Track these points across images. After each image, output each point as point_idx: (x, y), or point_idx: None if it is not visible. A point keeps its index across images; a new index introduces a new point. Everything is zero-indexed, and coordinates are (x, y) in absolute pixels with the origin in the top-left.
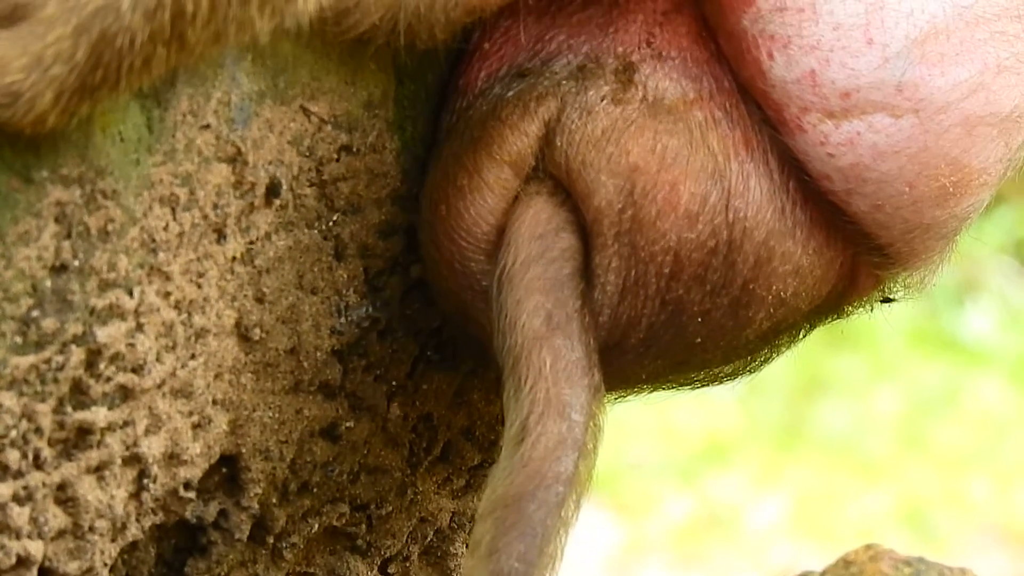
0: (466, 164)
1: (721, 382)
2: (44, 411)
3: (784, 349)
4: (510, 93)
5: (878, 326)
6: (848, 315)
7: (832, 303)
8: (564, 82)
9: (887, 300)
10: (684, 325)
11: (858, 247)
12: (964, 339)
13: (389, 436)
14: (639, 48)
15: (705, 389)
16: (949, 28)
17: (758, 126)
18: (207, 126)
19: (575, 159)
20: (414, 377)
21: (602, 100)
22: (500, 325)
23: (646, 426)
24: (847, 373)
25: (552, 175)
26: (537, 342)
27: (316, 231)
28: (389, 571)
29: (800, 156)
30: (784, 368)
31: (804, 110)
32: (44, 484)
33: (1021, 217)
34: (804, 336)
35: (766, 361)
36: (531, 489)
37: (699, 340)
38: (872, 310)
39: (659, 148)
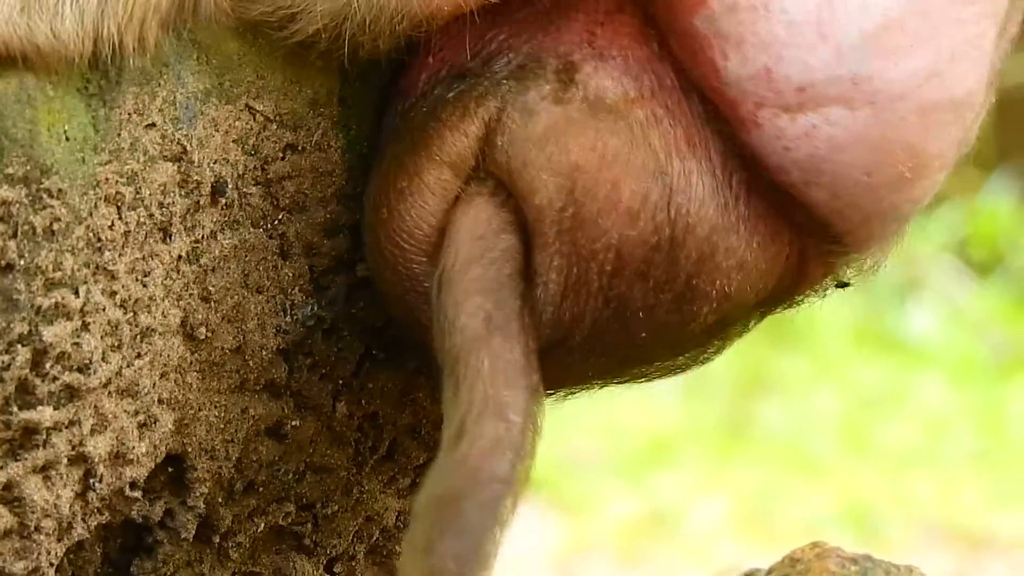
0: (406, 166)
1: (673, 373)
2: None
3: (735, 339)
4: (451, 94)
5: (821, 325)
6: (800, 304)
7: (782, 294)
8: (504, 82)
9: (842, 285)
10: (628, 321)
11: (810, 237)
12: (907, 338)
13: (335, 435)
14: (580, 48)
15: (648, 387)
16: (903, 19)
17: (701, 123)
18: (152, 125)
19: (516, 158)
20: (360, 376)
21: (543, 100)
22: (440, 326)
23: (588, 424)
24: (790, 372)
25: (493, 175)
26: (476, 343)
27: (261, 230)
28: (335, 570)
29: (756, 151)
30: (727, 367)
31: (759, 105)
32: None
33: (964, 216)
34: (756, 325)
35: (717, 351)
36: (468, 489)
37: (644, 335)
38: (824, 296)
39: (600, 147)
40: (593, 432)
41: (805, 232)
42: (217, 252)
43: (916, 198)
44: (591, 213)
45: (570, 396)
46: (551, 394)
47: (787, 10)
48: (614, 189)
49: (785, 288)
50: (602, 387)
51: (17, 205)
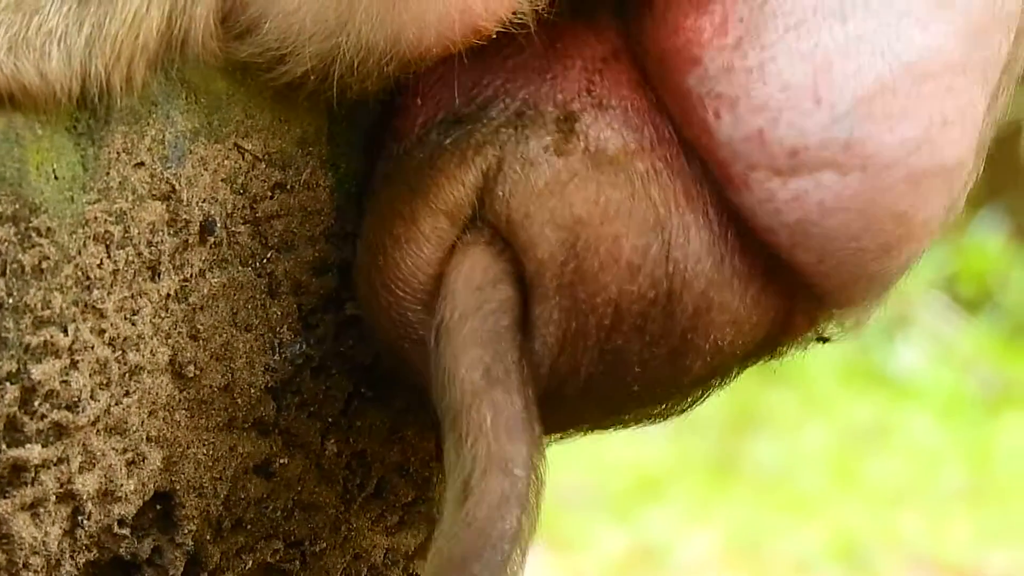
0: (402, 213)
1: (653, 422)
2: None
3: (717, 389)
4: (447, 141)
5: (809, 362)
6: (781, 355)
7: (767, 346)
8: (502, 130)
9: (822, 340)
10: (622, 375)
11: (796, 296)
12: (895, 374)
13: (323, 473)
14: (579, 96)
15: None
16: (895, 85)
17: (698, 177)
18: (141, 164)
19: (517, 210)
20: (348, 414)
21: (544, 151)
22: (439, 378)
23: (578, 461)
24: (779, 408)
25: (491, 225)
26: (476, 397)
27: (250, 268)
28: None
29: (746, 212)
30: (716, 403)
31: (751, 168)
32: None
33: (952, 253)
34: (737, 375)
35: (699, 401)
36: (477, 550)
37: (636, 388)
38: (806, 348)
39: (602, 200)
40: (583, 469)
41: (792, 290)
42: (206, 290)
43: (902, 264)
44: (592, 267)
45: (556, 442)
46: None
47: (782, 72)
48: (615, 244)
49: (770, 340)
50: (586, 434)
51: (6, 243)
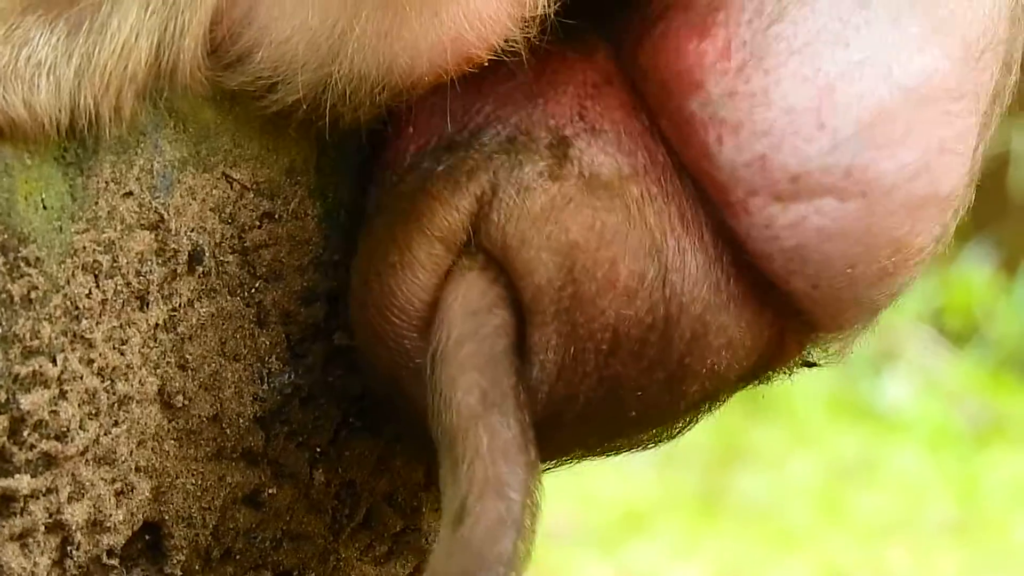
0: (397, 240)
1: (645, 447)
2: None
3: (707, 414)
4: (440, 167)
5: (796, 395)
6: (770, 380)
7: (759, 370)
8: (495, 155)
9: (808, 364)
10: (621, 400)
11: (787, 319)
12: (882, 408)
13: (312, 502)
14: (572, 122)
15: (623, 458)
16: (896, 111)
17: (692, 200)
18: (130, 193)
19: (513, 236)
20: (336, 443)
21: (539, 176)
22: (435, 403)
23: (564, 495)
24: (765, 442)
25: (485, 250)
26: (473, 420)
27: (238, 298)
28: None
29: (742, 237)
30: (702, 436)
31: (751, 193)
32: None
33: (939, 286)
34: (726, 400)
35: (689, 425)
36: (472, 572)
37: (634, 414)
38: (792, 374)
39: (598, 225)
40: (568, 502)
41: (784, 313)
42: (194, 320)
43: (894, 291)
44: (589, 292)
45: (551, 470)
46: None
47: (787, 97)
48: (612, 268)
49: (762, 365)
50: (582, 460)
51: None
